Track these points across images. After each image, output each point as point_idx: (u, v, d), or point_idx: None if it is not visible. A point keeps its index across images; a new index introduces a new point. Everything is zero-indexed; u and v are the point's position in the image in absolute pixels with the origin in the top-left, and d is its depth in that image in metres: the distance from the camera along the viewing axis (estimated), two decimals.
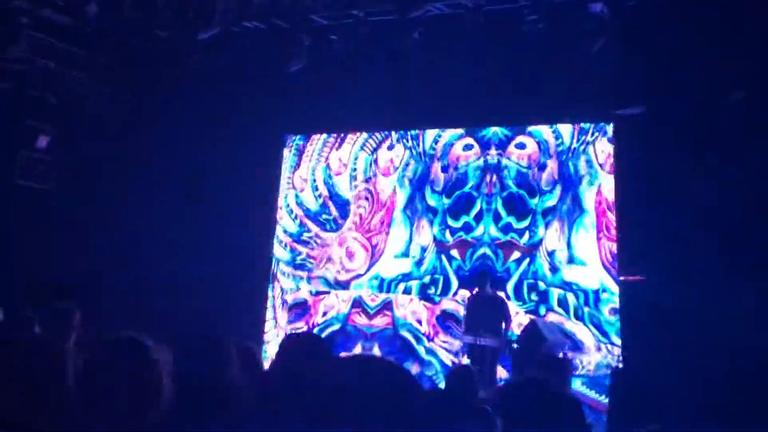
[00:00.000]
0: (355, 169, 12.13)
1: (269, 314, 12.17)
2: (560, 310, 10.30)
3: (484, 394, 9.38)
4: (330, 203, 12.25)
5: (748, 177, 7.95)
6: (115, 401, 2.65)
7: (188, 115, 11.62)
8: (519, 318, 10.46)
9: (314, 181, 12.40)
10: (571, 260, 10.36)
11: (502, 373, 9.91)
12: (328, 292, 11.97)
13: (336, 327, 11.81)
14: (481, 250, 11.05)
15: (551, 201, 10.68)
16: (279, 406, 3.06)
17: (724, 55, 8.20)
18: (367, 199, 12.02)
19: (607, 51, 9.04)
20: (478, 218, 11.13)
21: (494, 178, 11.09)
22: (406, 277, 11.49)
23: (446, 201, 11.40)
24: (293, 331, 11.30)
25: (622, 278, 8.74)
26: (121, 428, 2.61)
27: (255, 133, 11.63)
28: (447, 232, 11.31)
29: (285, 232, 12.45)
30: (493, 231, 11.00)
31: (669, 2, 8.72)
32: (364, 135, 12.09)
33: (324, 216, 12.27)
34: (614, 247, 9.68)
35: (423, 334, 11.27)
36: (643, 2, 8.84)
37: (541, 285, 10.52)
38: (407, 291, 11.46)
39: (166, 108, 11.69)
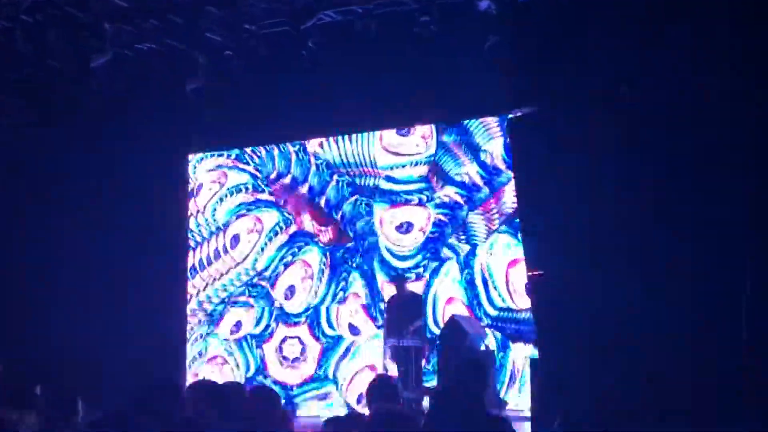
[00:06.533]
0: None
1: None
2: None
3: (409, 395, 9.59)
4: None
5: (648, 171, 8.04)
6: None
7: (88, 141, 11.52)
8: None
9: None
10: None
11: None
12: None
13: None
14: None
15: None
16: None
17: (616, 49, 8.25)
18: None
19: (499, 49, 9.08)
20: None
21: None
22: None
23: None
24: None
25: (528, 274, 8.88)
26: None
27: (158, 154, 11.55)
28: None
29: None
30: None
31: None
32: None
33: None
34: None
35: None
36: None
37: None
38: None
39: (65, 136, 11.60)
